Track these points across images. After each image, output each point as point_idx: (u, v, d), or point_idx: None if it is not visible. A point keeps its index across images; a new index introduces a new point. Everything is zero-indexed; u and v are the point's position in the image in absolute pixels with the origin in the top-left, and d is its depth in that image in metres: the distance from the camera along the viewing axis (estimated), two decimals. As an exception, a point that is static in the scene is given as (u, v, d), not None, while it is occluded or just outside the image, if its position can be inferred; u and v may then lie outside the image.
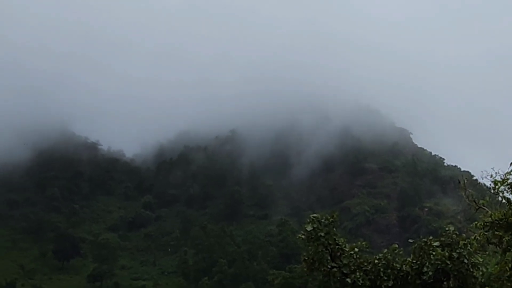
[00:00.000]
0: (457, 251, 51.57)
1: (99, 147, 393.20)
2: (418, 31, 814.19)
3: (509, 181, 36.24)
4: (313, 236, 52.02)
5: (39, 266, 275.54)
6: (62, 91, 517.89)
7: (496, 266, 40.13)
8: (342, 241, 53.67)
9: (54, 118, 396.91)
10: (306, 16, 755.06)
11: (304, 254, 54.40)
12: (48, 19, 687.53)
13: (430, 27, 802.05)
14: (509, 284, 36.07)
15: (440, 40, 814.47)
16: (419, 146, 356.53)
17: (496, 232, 36.67)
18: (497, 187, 38.29)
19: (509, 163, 37.60)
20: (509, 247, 36.07)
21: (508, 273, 36.15)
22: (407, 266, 51.06)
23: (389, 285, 49.32)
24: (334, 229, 53.34)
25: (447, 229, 53.67)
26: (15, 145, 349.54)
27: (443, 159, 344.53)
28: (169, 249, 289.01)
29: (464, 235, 51.51)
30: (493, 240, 38.56)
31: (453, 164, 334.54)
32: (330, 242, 52.51)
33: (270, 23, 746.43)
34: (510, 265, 36.12)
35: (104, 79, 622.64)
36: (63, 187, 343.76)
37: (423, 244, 54.01)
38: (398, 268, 50.69)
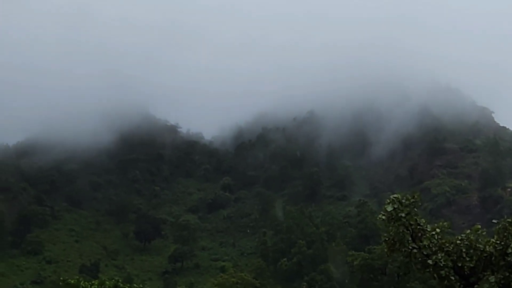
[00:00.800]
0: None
1: (179, 129, 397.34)
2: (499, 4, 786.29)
3: None
4: (393, 217, 51.00)
5: (122, 247, 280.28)
6: (144, 75, 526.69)
7: None
8: (423, 221, 52.49)
9: (136, 101, 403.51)
10: None
11: (385, 235, 53.47)
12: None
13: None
14: None
15: None
16: (501, 125, 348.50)
17: None
18: None
19: None
20: None
21: None
22: (491, 247, 49.62)
23: (472, 266, 48.15)
24: (415, 209, 52.28)
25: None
26: (99, 128, 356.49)
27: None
28: (248, 231, 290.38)
29: (550, 215, 49.70)
30: None
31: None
32: (411, 222, 51.34)
33: (347, 4, 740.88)
34: None
35: (184, 63, 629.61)
36: (144, 170, 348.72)
37: (507, 224, 52.28)
38: (481, 249, 49.34)
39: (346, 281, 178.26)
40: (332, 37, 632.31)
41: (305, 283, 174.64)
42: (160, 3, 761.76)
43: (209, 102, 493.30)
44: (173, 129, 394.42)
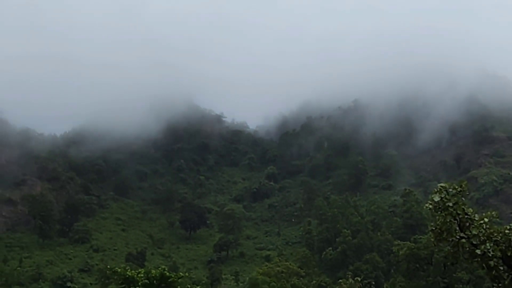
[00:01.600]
0: None
1: (223, 119, 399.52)
2: None
3: None
4: (441, 206, 50.46)
5: (167, 236, 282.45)
6: (190, 66, 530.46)
7: None
8: (471, 211, 51.96)
9: (182, 92, 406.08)
10: None
11: (432, 224, 52.90)
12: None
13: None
14: None
15: None
16: None
17: None
18: None
19: None
20: None
21: None
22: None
23: (521, 257, 47.55)
24: (463, 198, 51.58)
25: None
26: (146, 119, 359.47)
27: None
28: (293, 220, 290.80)
29: None
30: None
31: None
32: (458, 212, 50.78)
33: None
34: None
35: (229, 54, 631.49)
36: (189, 159, 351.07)
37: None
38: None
39: (392, 271, 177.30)
40: (378, 25, 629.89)
41: (350, 273, 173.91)
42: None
43: (254, 92, 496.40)
44: (218, 119, 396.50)
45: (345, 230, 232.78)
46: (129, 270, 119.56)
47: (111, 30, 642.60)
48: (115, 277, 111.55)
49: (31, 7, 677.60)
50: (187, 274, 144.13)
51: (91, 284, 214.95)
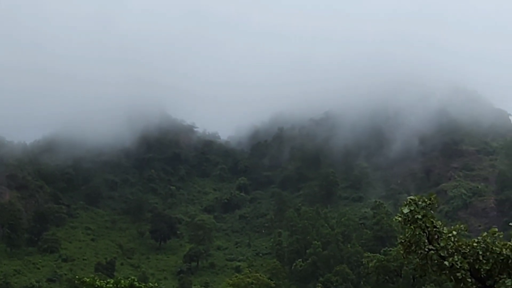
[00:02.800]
0: None
1: (195, 129, 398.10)
2: None
3: None
4: (410, 219, 50.94)
5: (137, 246, 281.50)
6: (163, 78, 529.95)
7: None
8: (440, 224, 52.47)
9: (155, 103, 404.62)
10: None
11: (401, 236, 53.44)
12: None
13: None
14: None
15: None
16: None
17: None
18: None
19: None
20: None
21: None
22: (508, 250, 49.64)
23: (488, 268, 48.12)
24: (432, 211, 52.19)
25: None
26: (118, 128, 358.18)
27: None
28: (263, 231, 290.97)
29: None
30: None
31: None
32: (427, 224, 51.30)
33: (365, 5, 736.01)
34: None
35: (201, 66, 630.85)
36: (160, 169, 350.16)
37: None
38: (498, 252, 49.35)
39: (362, 283, 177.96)
40: (350, 38, 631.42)
41: (320, 284, 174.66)
42: (176, 12, 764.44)
43: (226, 103, 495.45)
44: (189, 129, 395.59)
45: (316, 241, 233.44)
46: (98, 280, 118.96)
47: (86, 42, 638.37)
48: None
49: (5, 16, 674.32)
50: (156, 284, 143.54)
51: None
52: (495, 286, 51.41)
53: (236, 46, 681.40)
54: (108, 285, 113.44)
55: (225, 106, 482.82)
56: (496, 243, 52.19)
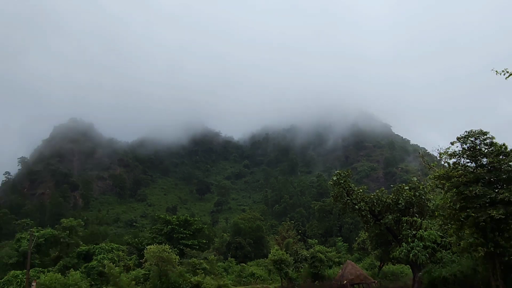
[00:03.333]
0: (418, 191, 50.29)
1: (220, 134, 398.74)
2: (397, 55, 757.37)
3: (448, 152, 35.40)
4: (336, 183, 51.47)
5: (189, 198, 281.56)
6: (203, 101, 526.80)
7: (440, 200, 38.91)
8: (353, 185, 52.79)
9: (198, 118, 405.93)
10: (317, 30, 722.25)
11: (332, 192, 53.93)
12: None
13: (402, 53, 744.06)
14: (448, 211, 34.88)
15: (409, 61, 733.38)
16: (396, 133, 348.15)
17: (441, 181, 35.52)
18: (441, 156, 37.20)
19: (449, 142, 36.44)
20: (448, 190, 34.91)
21: (448, 205, 34.94)
22: (389, 199, 49.99)
23: (379, 209, 48.45)
24: (348, 179, 52.48)
25: (412, 179, 52.32)
26: (179, 133, 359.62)
27: (409, 140, 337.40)
28: (258, 190, 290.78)
29: (422, 183, 50.16)
30: (439, 186, 37.39)
31: (416, 143, 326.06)
32: (346, 186, 51.76)
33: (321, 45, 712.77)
34: (449, 200, 34.90)
35: (227, 93, 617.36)
36: (201, 156, 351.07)
37: (398, 187, 52.67)
38: (384, 201, 49.66)
39: (310, 217, 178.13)
40: (309, 72, 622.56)
41: (287, 218, 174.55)
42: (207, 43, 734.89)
43: (237, 118, 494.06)
44: (216, 133, 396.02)
45: (286, 195, 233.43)
46: (167, 216, 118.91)
47: (160, 78, 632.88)
48: (160, 220, 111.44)
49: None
50: (199, 218, 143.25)
51: (147, 224, 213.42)
52: (382, 219, 51.65)
53: (244, 80, 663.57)
54: (173, 219, 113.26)
55: (237, 120, 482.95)
56: (383, 196, 52.30)
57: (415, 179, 49.68)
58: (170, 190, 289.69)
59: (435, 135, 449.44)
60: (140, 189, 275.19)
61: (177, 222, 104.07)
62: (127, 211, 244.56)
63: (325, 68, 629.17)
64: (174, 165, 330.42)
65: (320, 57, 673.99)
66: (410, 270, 53.88)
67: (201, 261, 73.97)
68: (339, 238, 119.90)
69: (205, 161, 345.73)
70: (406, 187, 49.45)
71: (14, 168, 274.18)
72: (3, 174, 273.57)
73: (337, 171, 49.77)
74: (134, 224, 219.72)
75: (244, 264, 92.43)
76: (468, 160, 35.94)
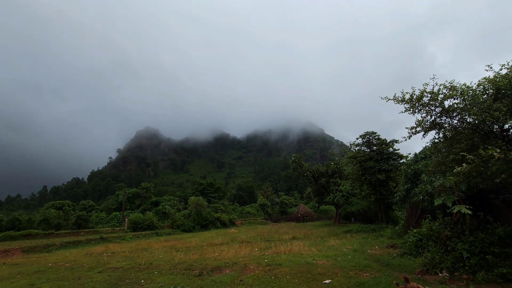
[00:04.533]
0: (338, 165, 50.96)
1: (229, 134, 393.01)
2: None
3: (355, 143, 36.21)
4: (295, 161, 51.94)
5: (213, 170, 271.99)
6: (215, 107, 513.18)
7: (351, 170, 39.90)
8: (303, 162, 53.11)
9: (214, 122, 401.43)
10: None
11: (292, 167, 54.17)
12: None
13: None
14: (355, 175, 35.67)
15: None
16: (326, 133, 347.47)
17: (351, 159, 36.46)
18: (351, 145, 38.15)
19: (359, 135, 37.47)
20: (355, 164, 35.85)
21: (355, 172, 35.82)
22: (323, 169, 50.62)
23: (317, 175, 49.12)
24: (301, 159, 52.74)
25: (335, 159, 52.73)
26: (203, 133, 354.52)
27: (333, 137, 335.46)
28: (251, 165, 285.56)
29: (341, 160, 50.81)
30: (350, 162, 38.25)
31: (338, 139, 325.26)
32: (299, 163, 52.04)
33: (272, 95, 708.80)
34: (355, 169, 35.80)
35: (231, 95, 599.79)
36: (218, 148, 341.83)
37: (328, 163, 53.06)
38: (320, 170, 50.23)
39: (280, 180, 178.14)
40: (278, 102, 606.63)
41: (268, 181, 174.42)
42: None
43: (242, 119, 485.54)
44: (227, 134, 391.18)
45: (266, 168, 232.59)
46: (201, 181, 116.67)
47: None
48: (196, 183, 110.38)
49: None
50: (218, 182, 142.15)
51: (189, 185, 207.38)
52: (319, 181, 51.94)
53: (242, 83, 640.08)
54: (204, 182, 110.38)
55: (239, 125, 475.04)
56: (320, 168, 51.90)
57: (337, 158, 50.82)
58: (202, 166, 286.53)
59: (349, 133, 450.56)
60: (185, 166, 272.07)
61: (206, 184, 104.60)
62: (179, 179, 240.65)
63: (286, 94, 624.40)
64: (205, 152, 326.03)
65: (282, 87, 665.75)
66: (335, 208, 55.21)
67: (220, 205, 74.87)
68: (295, 192, 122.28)
69: (221, 151, 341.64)
70: (332, 163, 50.49)
71: (114, 155, 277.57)
72: (108, 158, 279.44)
73: (294, 155, 50.82)
74: (182, 185, 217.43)
75: (243, 206, 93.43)
76: (365, 148, 37.49)
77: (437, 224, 14.39)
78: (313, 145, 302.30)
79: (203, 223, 52.24)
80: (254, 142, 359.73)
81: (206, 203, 62.10)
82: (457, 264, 12.40)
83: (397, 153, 32.48)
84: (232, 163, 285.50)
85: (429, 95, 13.20)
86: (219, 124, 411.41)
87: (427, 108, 13.86)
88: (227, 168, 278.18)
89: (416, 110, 14.07)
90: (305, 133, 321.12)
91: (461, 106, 12.96)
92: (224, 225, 54.61)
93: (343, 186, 42.70)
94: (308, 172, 45.95)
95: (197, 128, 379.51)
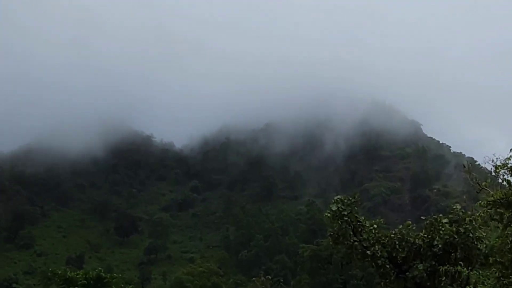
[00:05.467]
0: (463, 226, 50.73)
1: (153, 139, 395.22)
2: (430, 27, 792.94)
3: (509, 165, 35.86)
4: (337, 215, 51.28)
5: (103, 241, 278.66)
6: (125, 91, 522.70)
7: (497, 239, 39.43)
8: (363, 218, 52.83)
9: (119, 116, 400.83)
10: (329, 18, 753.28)
11: (330, 230, 53.85)
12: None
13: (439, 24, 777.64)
14: (509, 255, 35.47)
15: (449, 32, 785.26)
16: (428, 135, 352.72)
17: (498, 210, 36.02)
18: (497, 170, 37.70)
19: (509, 149, 37.10)
20: (509, 223, 35.49)
21: (509, 246, 35.54)
22: (420, 239, 50.32)
23: (403, 256, 48.67)
24: (356, 208, 52.55)
25: (454, 207, 52.65)
26: (86, 138, 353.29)
27: (450, 146, 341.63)
28: (213, 226, 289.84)
29: (469, 212, 50.67)
30: (495, 217, 37.91)
31: (458, 151, 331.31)
32: (352, 219, 51.71)
33: (296, 25, 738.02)
34: (510, 239, 35.52)
35: (155, 80, 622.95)
36: (123, 174, 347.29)
37: (433, 220, 53.01)
38: (412, 241, 49.93)
39: (298, 269, 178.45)
40: (286, 54, 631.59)
41: (262, 272, 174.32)
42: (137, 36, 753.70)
43: (180, 115, 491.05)
44: (148, 139, 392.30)
45: (258, 235, 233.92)
46: (69, 272, 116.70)
47: (63, 58, 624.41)
48: (56, 279, 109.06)
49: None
50: (120, 275, 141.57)
51: (34, 285, 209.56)
52: (409, 270, 52.13)
53: (190, 64, 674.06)
54: (78, 276, 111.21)
55: (179, 118, 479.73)
56: (410, 234, 53.06)
57: (459, 206, 50.47)
58: (73, 230, 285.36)
59: (488, 134, 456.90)
60: (24, 229, 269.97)
61: (85, 282, 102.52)
62: (2, 265, 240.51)
63: (316, 34, 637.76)
64: (79, 189, 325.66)
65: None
66: None
67: None
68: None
69: (128, 181, 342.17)
70: (445, 220, 49.85)
71: None
72: None
73: (338, 197, 49.63)
74: (14, 286, 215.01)
75: None
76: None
77: None
78: (392, 169, 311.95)
79: None
80: (222, 159, 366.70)
81: None
82: None
83: None
84: (159, 220, 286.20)
85: None
86: (124, 113, 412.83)
87: None
88: (144, 235, 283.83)
89: None
90: (369, 135, 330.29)
91: None
92: None
93: (476, 287, 41.93)
94: (377, 247, 44.33)
95: (63, 120, 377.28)
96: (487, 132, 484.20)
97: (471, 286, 43.61)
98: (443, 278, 47.59)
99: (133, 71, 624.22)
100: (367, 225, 51.12)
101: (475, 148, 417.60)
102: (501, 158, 38.01)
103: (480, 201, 41.89)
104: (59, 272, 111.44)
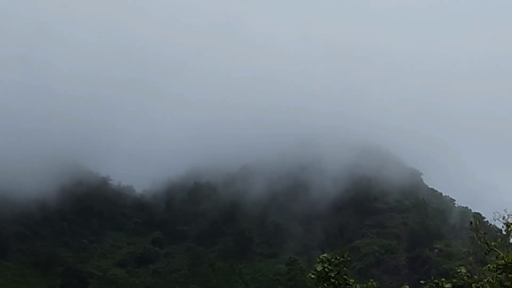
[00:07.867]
0: (468, 295, 50.98)
1: (110, 182, 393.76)
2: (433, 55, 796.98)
3: (521, 223, 35.97)
4: (323, 276, 51.92)
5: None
6: (78, 127, 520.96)
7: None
8: (352, 281, 53.39)
9: (69, 154, 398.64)
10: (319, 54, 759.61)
11: (312, 300, 53.62)
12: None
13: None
14: None
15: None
16: (429, 186, 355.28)
17: (510, 275, 36.23)
18: (509, 229, 37.85)
19: None
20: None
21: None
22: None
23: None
24: (345, 269, 53.07)
25: (458, 270, 53.24)
26: (30, 180, 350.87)
27: (454, 200, 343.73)
28: (177, 286, 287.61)
29: (476, 277, 50.99)
30: (507, 283, 38.12)
31: (464, 205, 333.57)
32: (340, 282, 52.29)
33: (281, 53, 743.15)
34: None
35: (113, 116, 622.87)
36: (72, 222, 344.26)
37: (434, 285, 53.52)
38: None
39: None
40: (266, 85, 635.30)
41: None
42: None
43: (141, 156, 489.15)
44: (103, 181, 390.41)
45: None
46: None
47: (6, 76, 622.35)
48: None
49: None
50: None
51: None
52: None
53: (151, 101, 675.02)
54: None
55: (141, 159, 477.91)
56: None
57: (464, 270, 51.16)
58: (11, 286, 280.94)
59: (503, 176, 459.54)
60: None
61: None
62: None
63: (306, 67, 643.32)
64: (20, 238, 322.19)
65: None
66: None
67: None
68: None
69: (78, 231, 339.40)
70: (448, 285, 50.57)
71: None
72: None
73: (324, 255, 50.45)
74: None
75: None
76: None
77: None
78: (387, 224, 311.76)
79: None
80: (189, 207, 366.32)
81: None
82: None
83: None
84: (113, 278, 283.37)
85: None
86: (75, 150, 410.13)
87: None
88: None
89: None
90: (361, 183, 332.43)
91: None
92: None
93: None
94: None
95: (3, 165, 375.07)
96: (501, 174, 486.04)
97: None
98: None
99: (94, 95, 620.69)
100: (357, 288, 51.54)
101: (486, 193, 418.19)
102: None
103: (488, 264, 42.42)
104: None
